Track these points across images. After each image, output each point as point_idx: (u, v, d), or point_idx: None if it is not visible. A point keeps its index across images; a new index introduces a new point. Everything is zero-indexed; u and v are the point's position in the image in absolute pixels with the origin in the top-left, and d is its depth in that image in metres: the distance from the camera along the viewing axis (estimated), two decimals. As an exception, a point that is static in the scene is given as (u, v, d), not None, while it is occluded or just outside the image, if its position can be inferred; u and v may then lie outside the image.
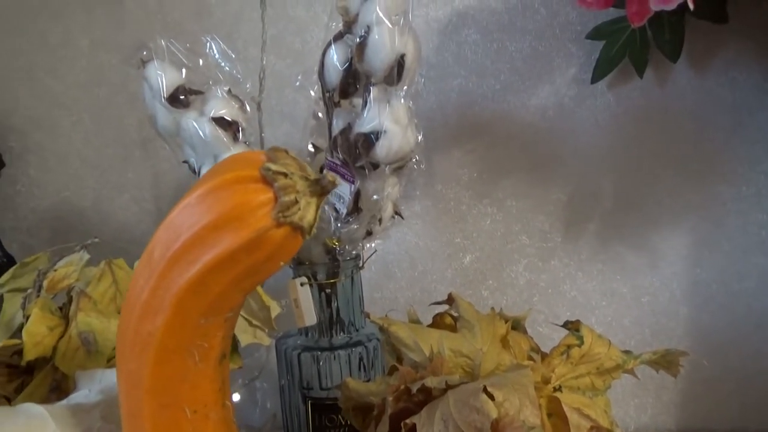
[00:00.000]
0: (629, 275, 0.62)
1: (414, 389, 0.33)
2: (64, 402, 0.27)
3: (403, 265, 0.65)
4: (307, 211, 0.24)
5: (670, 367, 0.43)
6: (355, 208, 0.44)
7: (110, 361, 0.33)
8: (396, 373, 0.36)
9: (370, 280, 0.65)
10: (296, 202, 0.23)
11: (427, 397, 0.34)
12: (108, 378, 0.29)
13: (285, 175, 0.24)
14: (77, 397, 0.27)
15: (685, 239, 0.61)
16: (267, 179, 0.23)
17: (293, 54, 0.63)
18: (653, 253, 0.61)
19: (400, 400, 0.35)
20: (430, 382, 0.33)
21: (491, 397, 0.31)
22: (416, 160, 0.48)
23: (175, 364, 0.21)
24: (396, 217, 0.51)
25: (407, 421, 0.33)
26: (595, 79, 0.58)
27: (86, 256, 0.39)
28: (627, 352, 0.42)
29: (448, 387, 0.33)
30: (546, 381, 0.37)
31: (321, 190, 0.24)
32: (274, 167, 0.23)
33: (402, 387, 0.34)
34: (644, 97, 0.60)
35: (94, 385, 0.28)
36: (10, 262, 0.67)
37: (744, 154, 0.59)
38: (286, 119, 0.61)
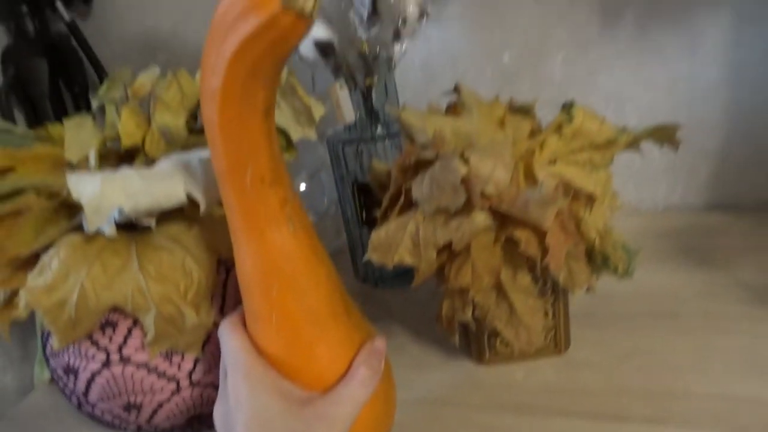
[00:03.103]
0: (667, 62, 0.62)
1: (412, 161, 0.41)
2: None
3: (445, 67, 0.70)
4: (307, 1, 0.30)
5: (670, 140, 0.47)
6: (374, 12, 0.49)
7: (183, 149, 0.44)
8: (404, 152, 0.44)
9: (415, 83, 0.71)
10: None
11: (426, 167, 0.42)
12: (180, 156, 0.40)
13: None
14: (161, 165, 0.38)
15: (726, 18, 0.59)
16: None
17: None
18: (693, 36, 0.61)
19: (407, 172, 0.43)
20: (426, 154, 0.41)
21: (467, 162, 0.38)
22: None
23: (233, 110, 0.31)
24: (425, 18, 0.55)
25: (407, 185, 0.41)
26: None
27: (158, 70, 0.48)
28: (622, 128, 0.46)
29: (439, 157, 0.40)
30: (531, 153, 0.43)
31: None
32: None
33: (406, 161, 0.43)
34: None
35: (173, 159, 0.39)
36: (115, 85, 0.80)
37: None
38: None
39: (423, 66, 0.70)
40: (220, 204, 0.36)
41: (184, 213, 0.39)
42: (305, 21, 0.29)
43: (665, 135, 0.46)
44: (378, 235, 0.40)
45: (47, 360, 0.43)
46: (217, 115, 0.31)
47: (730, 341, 0.44)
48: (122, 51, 0.83)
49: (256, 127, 0.32)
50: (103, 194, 0.34)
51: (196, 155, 0.39)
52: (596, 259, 0.43)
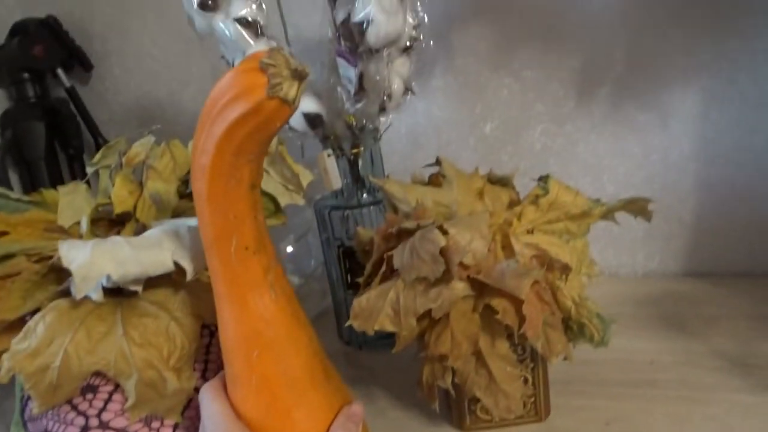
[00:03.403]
0: (640, 135, 0.66)
1: (395, 231, 0.43)
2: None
3: (430, 136, 0.73)
4: (290, 90, 0.32)
5: (642, 212, 0.49)
6: (361, 89, 0.51)
7: (173, 215, 0.46)
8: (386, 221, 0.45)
9: (402, 151, 0.73)
10: (281, 83, 0.32)
11: (407, 237, 0.43)
12: (171, 223, 0.41)
13: (274, 66, 0.32)
14: (150, 233, 0.39)
15: (695, 97, 0.63)
16: (263, 69, 0.32)
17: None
18: (664, 112, 0.64)
19: (389, 240, 0.45)
20: (406, 224, 0.42)
21: (446, 232, 0.40)
22: (420, 40, 0.54)
23: (220, 185, 0.33)
24: (409, 94, 0.58)
25: (389, 253, 0.42)
26: (605, -58, 0.59)
27: (152, 139, 0.50)
28: (596, 201, 0.48)
29: (419, 228, 0.42)
30: (509, 223, 0.44)
31: (299, 75, 0.33)
32: (267, 61, 0.32)
33: (388, 230, 0.44)
34: (658, -45, 0.60)
35: (163, 226, 0.40)
36: (110, 148, 0.82)
37: (758, 7, 0.58)
38: (309, 10, 0.67)
39: (409, 134, 0.73)
40: (206, 270, 0.37)
41: (170, 278, 0.40)
42: (289, 107, 0.32)
43: (638, 207, 0.48)
44: (359, 302, 0.41)
45: (24, 423, 0.43)
46: (205, 189, 0.33)
47: (707, 410, 0.45)
48: (120, 116, 0.86)
49: (242, 199, 0.34)
50: (93, 262, 0.35)
51: (185, 223, 0.40)
52: (572, 327, 0.44)
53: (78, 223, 0.45)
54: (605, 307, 0.44)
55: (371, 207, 0.60)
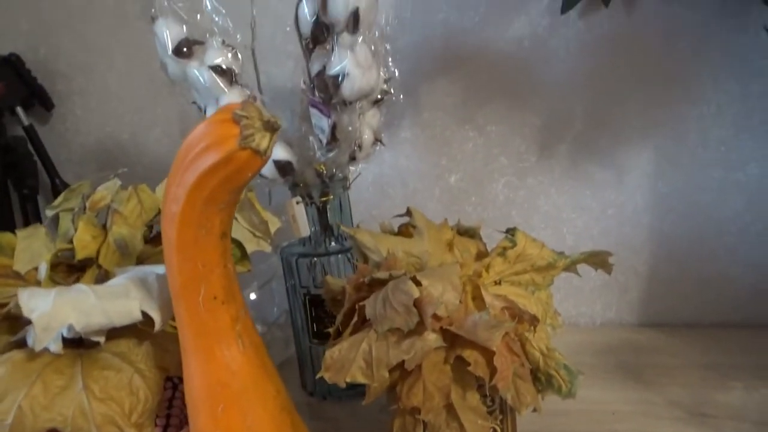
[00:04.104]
0: (597, 190, 0.69)
1: (367, 280, 0.43)
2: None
3: (396, 186, 0.74)
4: (262, 141, 0.33)
5: (603, 265, 0.51)
6: (333, 138, 0.52)
7: (137, 261, 0.44)
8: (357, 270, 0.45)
9: (369, 200, 0.74)
10: (253, 134, 0.32)
11: (379, 287, 0.43)
12: (136, 270, 0.40)
13: (247, 117, 0.32)
14: (116, 281, 0.38)
15: (649, 155, 0.66)
16: (236, 120, 0.32)
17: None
18: (619, 169, 0.68)
19: (361, 290, 0.45)
20: (379, 275, 0.43)
21: (419, 283, 0.40)
22: (391, 93, 0.56)
23: (190, 233, 0.33)
24: (380, 144, 0.59)
25: (361, 303, 0.42)
26: (564, 9, 0.63)
27: (118, 183, 0.49)
28: (560, 253, 0.50)
29: (392, 278, 0.42)
30: (478, 275, 0.45)
31: (271, 127, 0.33)
32: (240, 113, 0.32)
33: (360, 280, 0.44)
34: (613, 24, 0.64)
35: (129, 274, 0.39)
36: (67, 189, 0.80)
37: (706, 75, 0.63)
38: (282, 58, 0.68)
39: (376, 184, 0.74)
40: (172, 320, 0.36)
41: (134, 328, 0.39)
42: (260, 158, 0.32)
43: (599, 260, 0.50)
44: (331, 354, 0.41)
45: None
46: (175, 237, 0.33)
47: (669, 461, 0.46)
48: (79, 157, 0.84)
49: (212, 248, 0.34)
50: (55, 311, 0.33)
51: (153, 270, 0.39)
52: (541, 379, 0.44)
53: (35, 269, 0.44)
54: (567, 357, 0.44)
55: (339, 255, 0.60)
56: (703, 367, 0.59)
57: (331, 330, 0.46)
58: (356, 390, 0.61)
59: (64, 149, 0.84)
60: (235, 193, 0.34)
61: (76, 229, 0.45)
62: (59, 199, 0.49)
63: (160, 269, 0.39)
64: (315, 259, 0.59)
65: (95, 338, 0.36)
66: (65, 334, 0.35)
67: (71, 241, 0.45)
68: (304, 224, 0.59)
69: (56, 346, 0.35)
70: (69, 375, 0.35)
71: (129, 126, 0.81)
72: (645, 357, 0.62)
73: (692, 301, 0.69)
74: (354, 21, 0.45)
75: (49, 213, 0.49)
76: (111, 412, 0.35)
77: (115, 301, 0.35)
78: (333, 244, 0.60)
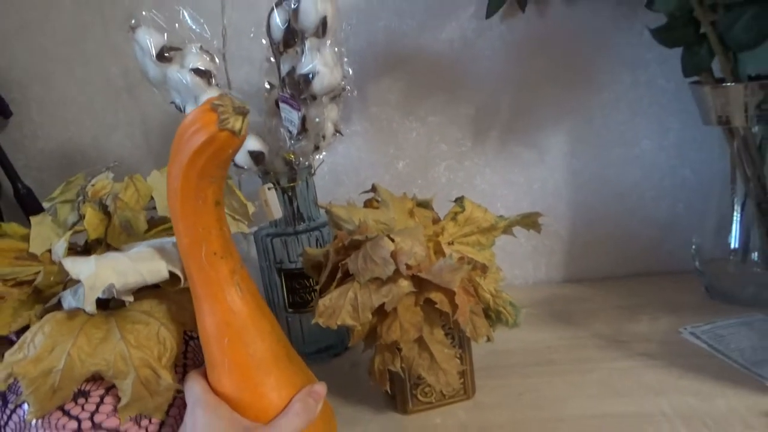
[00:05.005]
0: (524, 168, 0.80)
1: (347, 243, 0.51)
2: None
3: (350, 174, 0.82)
4: (236, 123, 0.40)
5: (534, 226, 0.61)
6: (303, 129, 0.60)
7: (141, 239, 0.51)
8: (336, 237, 0.54)
9: (324, 187, 0.82)
10: (228, 118, 0.40)
11: (356, 249, 0.52)
12: (152, 242, 0.47)
13: (223, 105, 0.40)
14: (139, 248, 0.44)
15: (564, 137, 0.79)
16: (214, 109, 0.40)
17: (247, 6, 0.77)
18: (541, 149, 0.79)
19: (339, 253, 0.53)
20: (357, 237, 0.51)
21: (392, 240, 0.49)
22: (347, 89, 0.64)
23: (190, 204, 0.40)
24: (337, 134, 0.68)
25: (342, 262, 0.51)
26: (489, 15, 0.73)
27: (111, 175, 0.55)
28: (500, 216, 0.60)
29: (368, 239, 0.51)
30: (437, 234, 0.55)
31: (241, 111, 0.40)
32: (217, 102, 0.40)
33: (340, 244, 0.52)
34: (529, 27, 0.76)
35: (149, 243, 0.46)
36: (29, 192, 0.83)
37: (605, 69, 0.76)
38: (245, 63, 0.75)
39: (331, 173, 0.82)
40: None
41: (154, 290, 0.45)
42: (236, 136, 0.40)
43: (530, 222, 0.61)
44: (324, 302, 0.49)
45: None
46: (178, 207, 0.41)
47: (594, 376, 0.57)
48: (38, 163, 0.87)
49: (208, 214, 0.42)
50: (98, 273, 0.40)
51: (169, 240, 0.46)
52: (491, 315, 0.54)
53: (48, 251, 0.49)
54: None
55: (306, 234, 0.67)
56: (618, 308, 0.71)
57: (304, 298, 0.54)
58: (328, 352, 0.69)
59: (21, 155, 0.87)
60: (222, 168, 0.42)
61: (82, 216, 0.50)
62: (57, 191, 0.54)
63: (173, 239, 0.46)
64: (286, 238, 0.67)
65: (125, 298, 0.42)
66: (101, 295, 0.41)
67: (71, 228, 0.50)
68: (276, 208, 0.66)
69: (91, 307, 0.41)
70: (105, 329, 0.41)
71: (90, 130, 0.85)
72: (572, 305, 0.74)
73: (606, 258, 0.81)
74: (323, 27, 0.53)
75: (46, 205, 0.54)
76: (147, 357, 0.41)
77: (146, 262, 0.42)
78: (302, 224, 0.68)
